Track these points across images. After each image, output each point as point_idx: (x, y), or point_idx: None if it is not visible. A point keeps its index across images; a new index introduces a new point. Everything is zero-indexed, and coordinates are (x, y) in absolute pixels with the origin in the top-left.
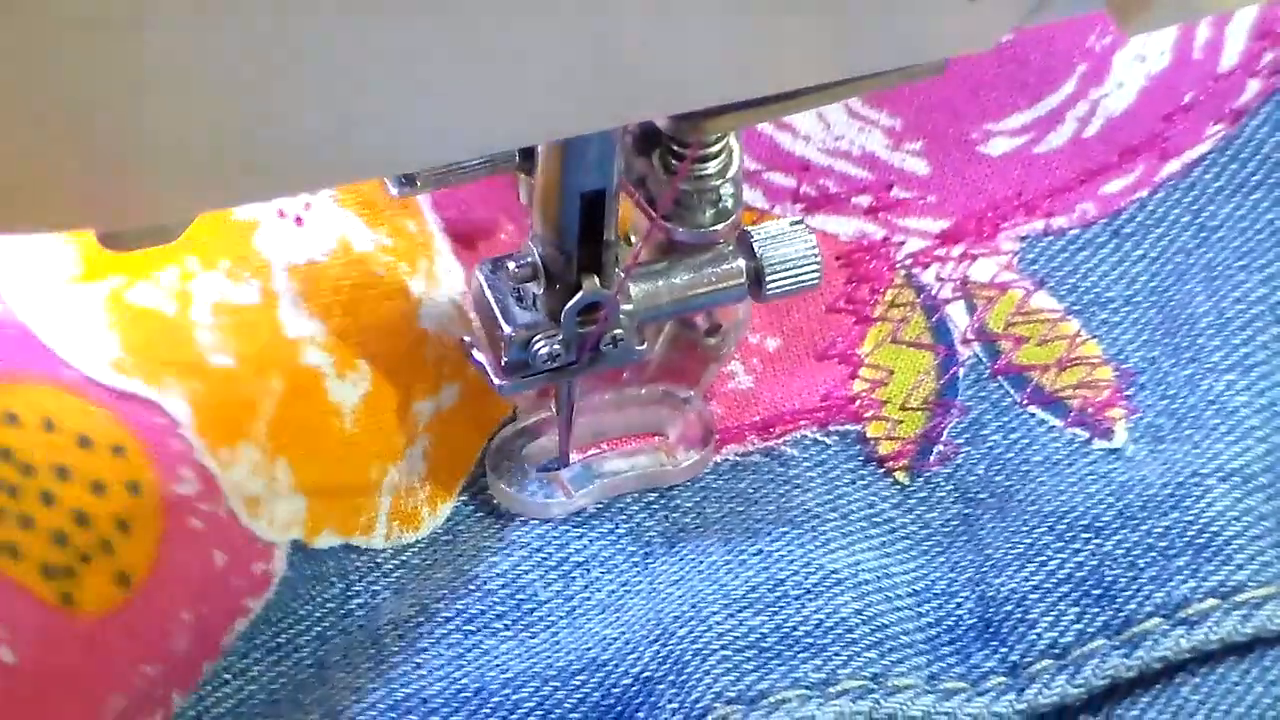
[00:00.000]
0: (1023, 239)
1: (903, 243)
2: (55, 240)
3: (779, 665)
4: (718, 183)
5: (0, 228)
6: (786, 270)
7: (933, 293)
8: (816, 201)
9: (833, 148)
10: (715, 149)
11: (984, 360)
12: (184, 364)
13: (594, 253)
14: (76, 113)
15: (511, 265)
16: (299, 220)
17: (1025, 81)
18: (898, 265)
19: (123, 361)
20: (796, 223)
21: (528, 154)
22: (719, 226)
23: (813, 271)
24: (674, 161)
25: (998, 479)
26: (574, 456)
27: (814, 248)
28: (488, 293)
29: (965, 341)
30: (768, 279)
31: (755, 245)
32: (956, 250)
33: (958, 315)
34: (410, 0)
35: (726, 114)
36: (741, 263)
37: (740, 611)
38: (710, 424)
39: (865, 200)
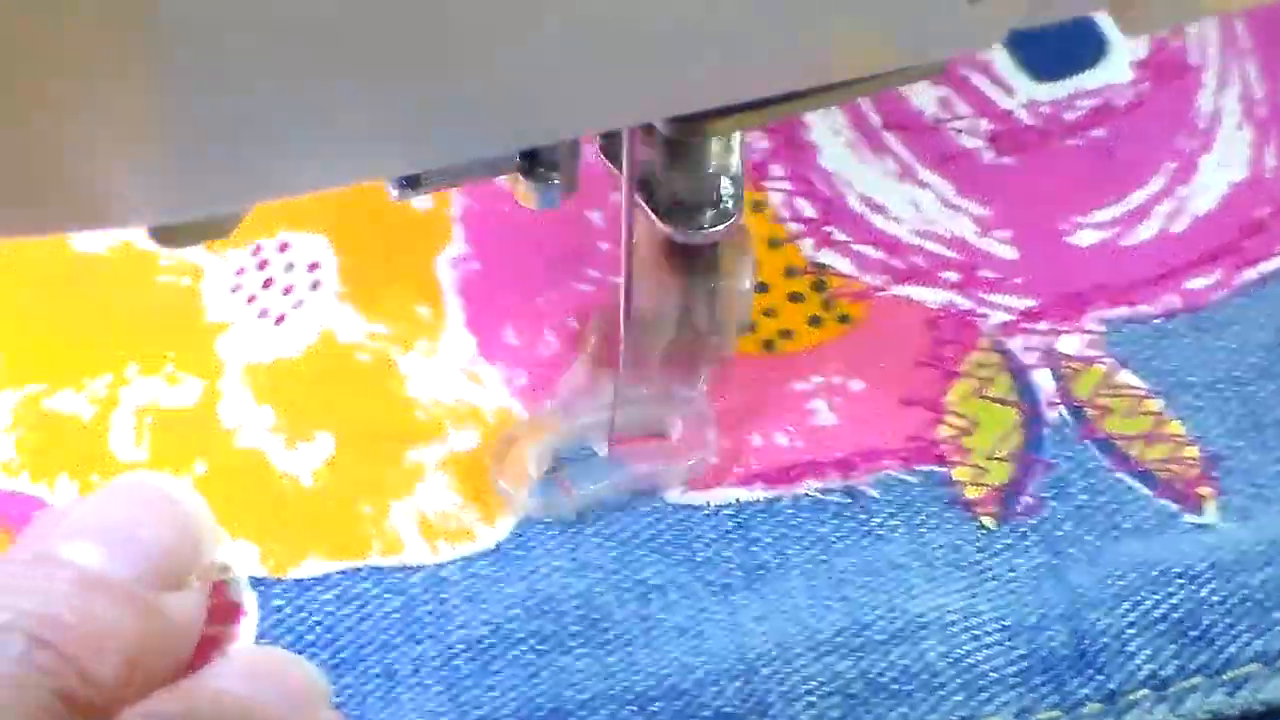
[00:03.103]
0: (1107, 322)
1: (988, 315)
2: None
3: (865, 713)
4: (718, 182)
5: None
6: None
7: (1019, 359)
8: (905, 274)
9: (923, 229)
10: (716, 149)
11: (1070, 423)
12: (85, 462)
13: None
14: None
15: None
16: (281, 319)
17: (1114, 177)
18: (984, 333)
19: (10, 463)
20: None
21: (528, 156)
22: (720, 227)
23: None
24: (674, 162)
25: (1086, 537)
26: (575, 459)
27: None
28: None
29: (1051, 404)
30: None
31: None
32: (1043, 325)
33: (1044, 381)
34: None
35: (727, 116)
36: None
37: (826, 655)
38: (712, 424)
39: (953, 275)
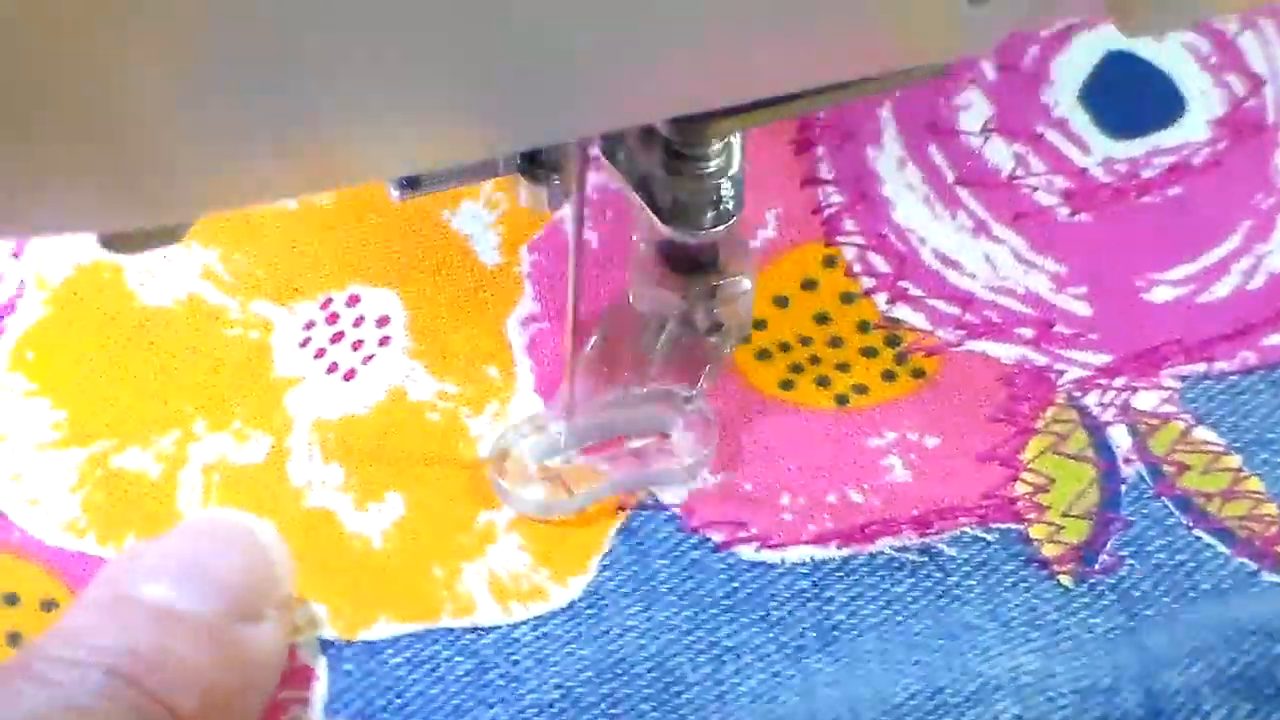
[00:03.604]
0: (1183, 378)
1: (1064, 371)
2: (42, 405)
3: None
4: (718, 183)
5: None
6: None
7: (1094, 414)
8: (979, 329)
9: (998, 285)
10: (715, 149)
11: (1147, 480)
12: (153, 522)
13: None
14: (82, 108)
15: None
16: (350, 374)
17: (1190, 234)
18: (1059, 388)
19: (76, 522)
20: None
21: (529, 157)
22: (720, 228)
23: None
24: (674, 163)
25: (1164, 598)
26: (576, 459)
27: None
28: None
29: (1128, 461)
30: None
31: None
32: (1118, 382)
33: (1120, 437)
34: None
35: (728, 117)
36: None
37: None
38: (712, 424)
39: (1028, 332)
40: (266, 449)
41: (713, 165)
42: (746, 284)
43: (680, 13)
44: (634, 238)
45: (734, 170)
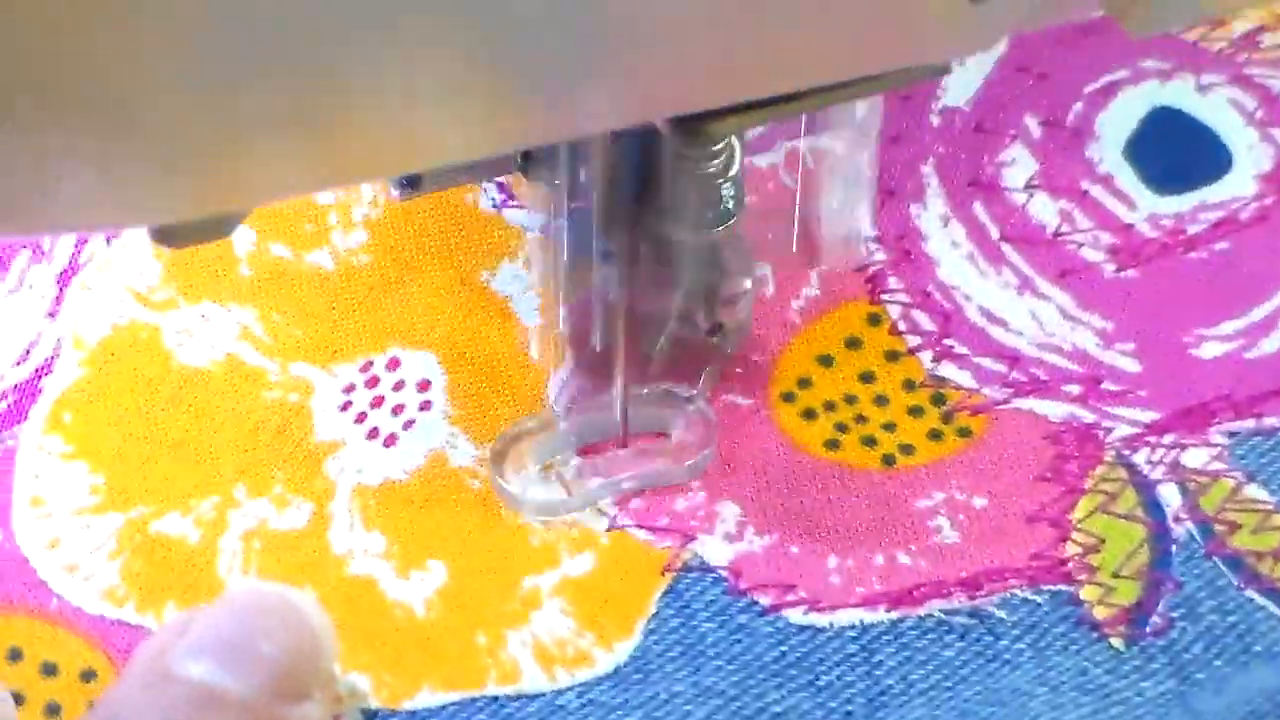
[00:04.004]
0: (1232, 435)
1: (1112, 428)
2: (80, 469)
3: None
4: (718, 182)
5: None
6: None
7: (1144, 473)
8: (1026, 386)
9: (1044, 342)
10: (716, 148)
11: (1198, 539)
12: (192, 589)
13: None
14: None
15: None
16: (391, 440)
17: (1239, 289)
18: (1108, 446)
19: (115, 590)
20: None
21: (529, 157)
22: (719, 228)
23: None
24: (675, 163)
25: (1215, 662)
26: (574, 459)
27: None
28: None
29: (1178, 520)
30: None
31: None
32: (1167, 439)
33: (1170, 495)
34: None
35: (728, 116)
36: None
37: None
38: (712, 424)
39: (1075, 389)
40: (308, 516)
41: (713, 165)
42: (747, 284)
43: (680, 12)
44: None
45: (734, 170)
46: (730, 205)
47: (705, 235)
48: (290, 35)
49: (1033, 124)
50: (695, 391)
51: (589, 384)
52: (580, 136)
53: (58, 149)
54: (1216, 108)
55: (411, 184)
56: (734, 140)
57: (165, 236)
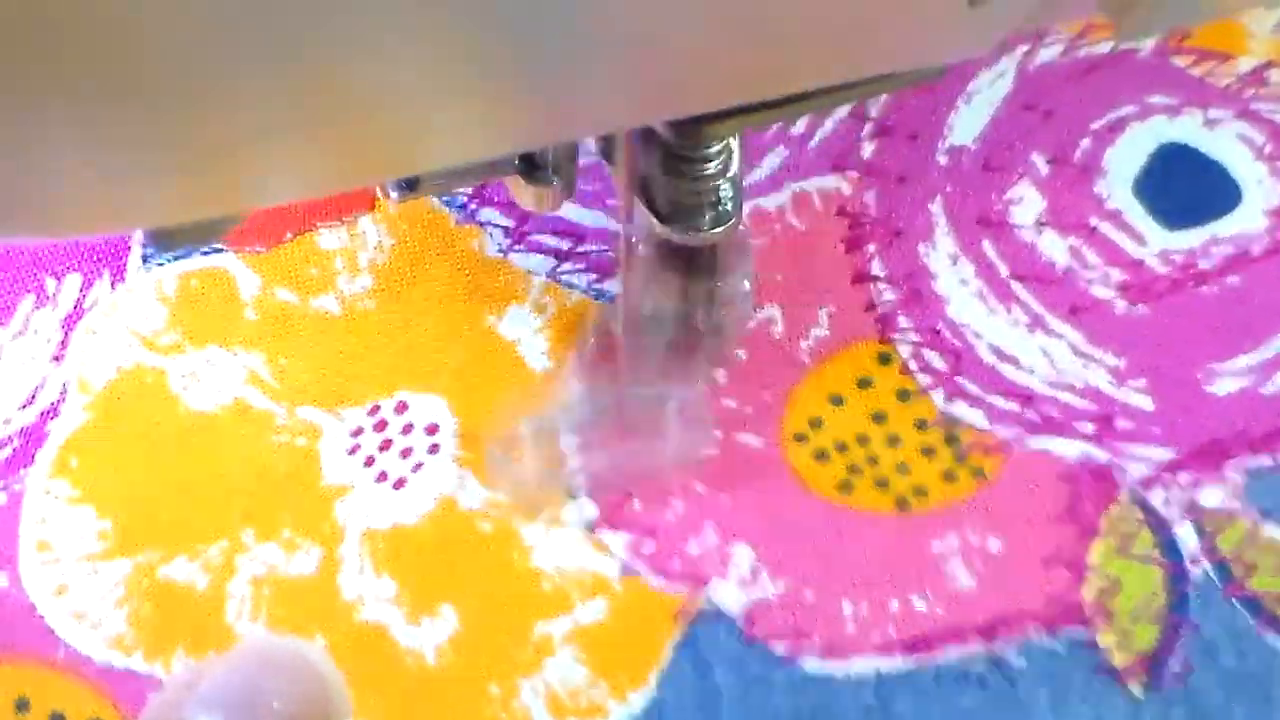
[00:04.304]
0: (1248, 472)
1: (1126, 468)
2: (87, 514)
3: None
4: (717, 183)
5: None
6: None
7: (1160, 513)
8: (1039, 425)
9: (1057, 380)
10: (714, 150)
11: (1216, 581)
12: (200, 636)
13: None
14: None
15: None
16: (400, 483)
17: (1252, 323)
18: (1123, 487)
19: (123, 638)
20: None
21: (527, 158)
22: (718, 230)
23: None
24: (673, 164)
25: (1235, 707)
26: (572, 458)
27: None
28: None
29: (1194, 561)
30: None
31: None
32: (1183, 477)
33: (1187, 536)
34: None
35: (727, 118)
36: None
37: None
38: (708, 423)
39: (1089, 427)
40: (317, 560)
41: (711, 167)
42: (746, 285)
43: (681, 15)
44: (632, 239)
45: (733, 172)
46: (729, 207)
47: (704, 236)
48: (293, 36)
49: (1040, 161)
50: (694, 390)
51: (587, 383)
52: (581, 138)
53: (59, 144)
54: (1225, 143)
55: (410, 186)
56: (732, 141)
57: (160, 238)
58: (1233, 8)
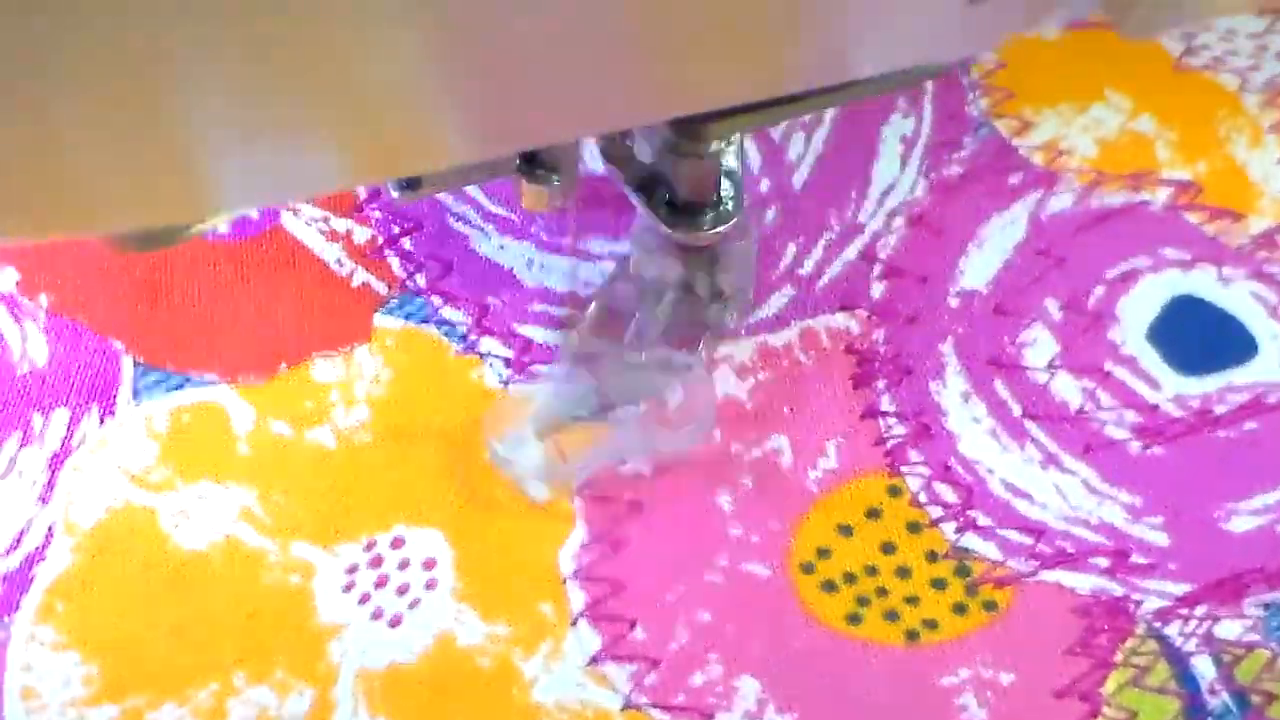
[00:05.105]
0: (1267, 605)
1: (1142, 601)
2: (72, 659)
3: None
4: (718, 184)
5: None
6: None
7: (1176, 645)
8: (1053, 559)
9: (1071, 516)
10: (717, 148)
11: (1234, 711)
12: None
13: None
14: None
15: None
16: (396, 620)
17: (1267, 466)
18: (1139, 619)
19: None
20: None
21: (528, 158)
22: (720, 228)
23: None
24: (676, 164)
25: None
26: (574, 426)
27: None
28: None
29: (1213, 692)
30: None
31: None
32: (1200, 610)
33: (1204, 667)
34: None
35: (730, 118)
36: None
37: None
38: (711, 389)
39: (1103, 561)
40: (309, 703)
41: (712, 166)
42: (749, 259)
43: (681, 15)
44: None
45: (734, 171)
46: (730, 206)
47: (706, 237)
48: (297, 47)
49: (1053, 307)
50: (695, 358)
51: (589, 350)
52: (583, 137)
53: (58, 144)
54: (1239, 298)
55: (411, 185)
56: (734, 141)
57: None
58: (1227, 11)
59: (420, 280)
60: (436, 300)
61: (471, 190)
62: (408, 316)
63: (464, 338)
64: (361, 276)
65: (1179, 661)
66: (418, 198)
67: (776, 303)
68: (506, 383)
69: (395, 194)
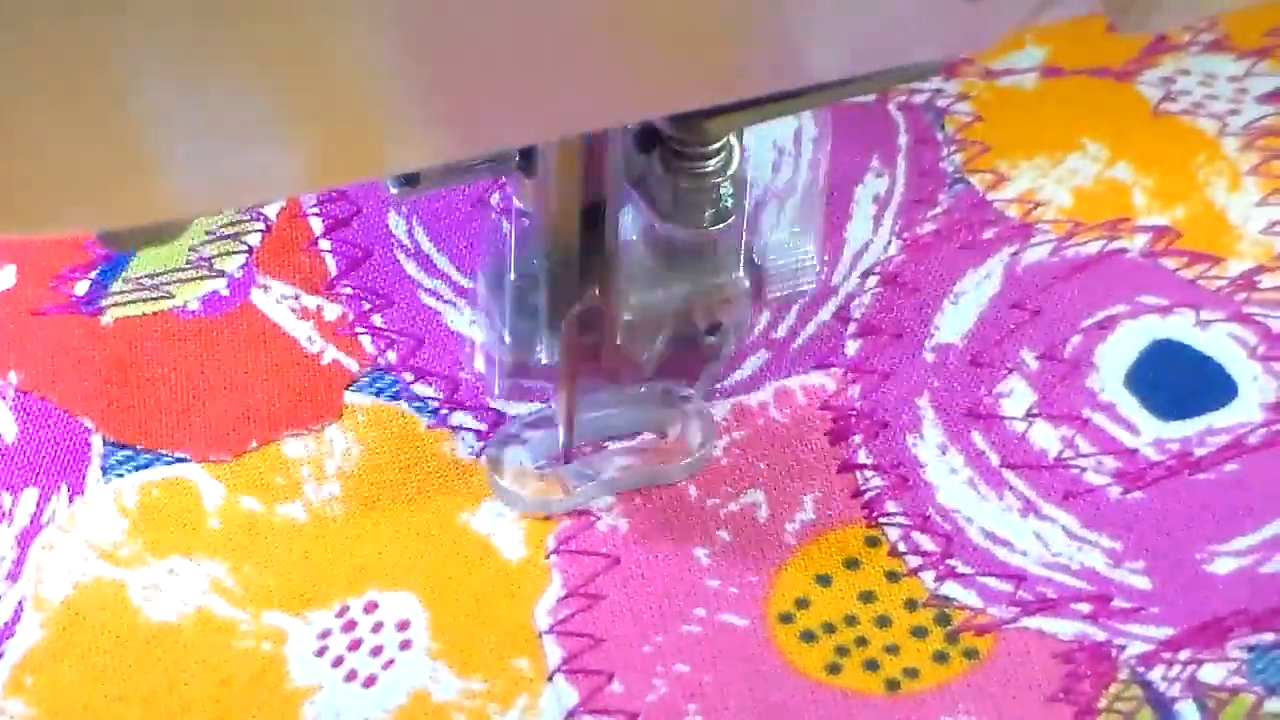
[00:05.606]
0: (1251, 649)
1: (1125, 646)
2: None
3: None
4: (717, 181)
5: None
6: (786, 280)
7: (1160, 690)
8: (1034, 605)
9: (1051, 562)
10: (715, 147)
11: None
12: None
13: (596, 262)
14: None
15: (512, 276)
16: (370, 680)
17: (1249, 508)
18: (1121, 665)
19: None
20: (797, 232)
21: (527, 155)
22: (719, 227)
23: (809, 281)
24: (674, 161)
25: None
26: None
27: (813, 257)
28: (489, 300)
29: None
30: (768, 288)
31: (756, 256)
32: (1184, 654)
33: (1188, 713)
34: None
35: (726, 114)
36: (742, 274)
37: None
38: (709, 423)
39: (1085, 607)
40: None
41: (712, 164)
42: (745, 283)
43: (678, 10)
44: (633, 237)
45: (733, 168)
46: (729, 203)
47: (703, 234)
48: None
49: (1029, 357)
50: (693, 390)
51: (586, 383)
52: (578, 134)
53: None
54: (1218, 341)
55: (409, 182)
56: (733, 139)
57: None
58: (1229, 8)
59: (391, 356)
60: (408, 376)
61: (443, 264)
62: (378, 393)
63: (435, 412)
64: (332, 354)
65: (1163, 707)
66: (417, 194)
67: (751, 365)
68: (478, 455)
69: (394, 190)
